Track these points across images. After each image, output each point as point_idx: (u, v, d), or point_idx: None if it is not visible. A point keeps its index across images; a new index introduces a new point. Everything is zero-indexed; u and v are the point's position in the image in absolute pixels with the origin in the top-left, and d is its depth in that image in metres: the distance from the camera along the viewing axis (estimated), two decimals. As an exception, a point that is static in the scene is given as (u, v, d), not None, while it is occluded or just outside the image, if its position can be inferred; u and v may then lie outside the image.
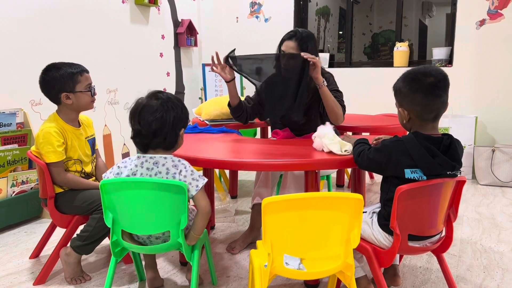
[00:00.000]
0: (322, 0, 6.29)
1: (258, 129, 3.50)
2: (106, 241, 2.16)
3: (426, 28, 6.77)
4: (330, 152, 1.80)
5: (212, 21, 4.92)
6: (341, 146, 1.79)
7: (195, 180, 1.59)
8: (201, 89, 4.66)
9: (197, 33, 4.77)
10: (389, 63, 4.34)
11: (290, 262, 1.42)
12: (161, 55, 4.35)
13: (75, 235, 1.97)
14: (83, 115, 2.17)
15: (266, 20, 4.71)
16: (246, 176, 3.92)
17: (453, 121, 3.73)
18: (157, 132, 1.59)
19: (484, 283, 1.98)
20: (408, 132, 1.61)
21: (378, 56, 6.87)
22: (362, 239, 1.61)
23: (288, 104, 2.25)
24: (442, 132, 1.57)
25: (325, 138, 1.84)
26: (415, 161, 1.48)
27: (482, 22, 3.77)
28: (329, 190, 3.08)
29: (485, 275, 2.06)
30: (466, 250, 2.34)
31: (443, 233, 1.69)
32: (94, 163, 2.19)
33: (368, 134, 2.74)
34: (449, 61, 3.99)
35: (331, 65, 4.68)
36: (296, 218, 1.38)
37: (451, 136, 1.54)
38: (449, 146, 1.51)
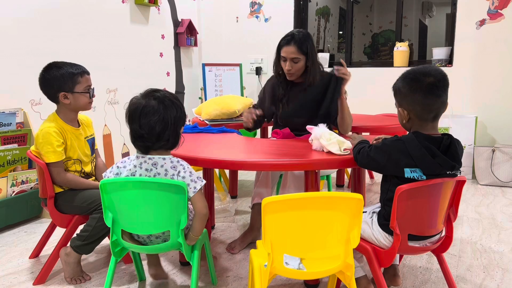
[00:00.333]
0: (322, 0, 6.29)
1: (258, 129, 3.50)
2: (106, 241, 2.16)
3: (426, 28, 6.77)
4: (330, 152, 1.80)
5: (212, 21, 4.92)
6: (339, 145, 1.79)
7: (193, 181, 1.59)
8: (201, 89, 4.66)
9: (197, 33, 4.76)
10: (389, 63, 4.34)
11: (290, 262, 1.42)
12: (161, 55, 4.35)
13: (75, 235, 1.97)
14: (82, 115, 2.17)
15: (266, 20, 4.71)
16: (246, 176, 3.92)
17: (453, 121, 3.73)
18: (161, 135, 1.58)
19: (484, 283, 1.98)
20: (408, 132, 1.61)
21: (378, 56, 6.87)
22: (362, 239, 1.61)
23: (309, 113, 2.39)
24: (442, 132, 1.57)
25: (322, 139, 1.84)
26: (415, 161, 1.48)
27: (482, 22, 3.77)
28: (329, 190, 3.08)
29: (485, 275, 2.06)
30: (466, 250, 2.34)
31: (443, 233, 1.69)
32: (94, 163, 2.19)
33: (368, 134, 2.74)
34: (449, 61, 3.99)
35: (331, 65, 4.68)
36: (296, 218, 1.38)
37: (451, 136, 1.54)
38: (449, 146, 1.51)
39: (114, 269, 1.68)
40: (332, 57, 4.84)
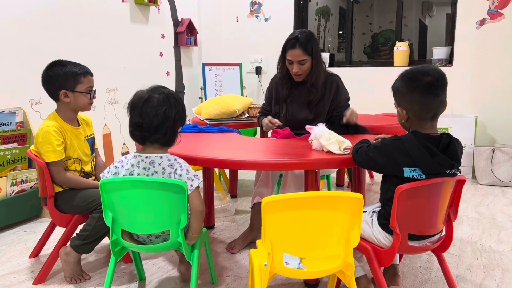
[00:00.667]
0: (322, 0, 6.28)
1: (258, 129, 3.50)
2: (105, 241, 2.15)
3: (426, 28, 6.76)
4: (330, 152, 1.80)
5: (212, 21, 4.91)
6: (339, 145, 1.79)
7: (190, 179, 1.59)
8: (201, 89, 4.66)
9: (197, 33, 4.76)
10: (389, 63, 4.34)
11: (290, 261, 1.42)
12: (161, 54, 4.34)
13: (74, 234, 1.97)
14: (82, 114, 2.17)
15: (266, 19, 4.71)
16: (246, 176, 3.92)
17: (453, 121, 3.73)
18: (159, 127, 1.58)
19: (484, 283, 1.98)
20: (407, 132, 1.61)
21: (378, 56, 6.87)
22: (362, 238, 1.61)
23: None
24: (441, 132, 1.57)
25: (321, 138, 1.84)
26: (414, 160, 1.48)
27: (482, 22, 3.77)
28: (329, 189, 3.08)
29: (485, 274, 2.06)
30: (466, 249, 2.34)
31: (443, 233, 1.69)
32: (94, 162, 2.19)
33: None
34: (449, 61, 3.99)
35: (331, 64, 4.69)
36: (296, 218, 1.38)
37: (450, 135, 1.54)
38: (448, 145, 1.51)
39: (114, 269, 1.68)
40: (332, 57, 4.84)
